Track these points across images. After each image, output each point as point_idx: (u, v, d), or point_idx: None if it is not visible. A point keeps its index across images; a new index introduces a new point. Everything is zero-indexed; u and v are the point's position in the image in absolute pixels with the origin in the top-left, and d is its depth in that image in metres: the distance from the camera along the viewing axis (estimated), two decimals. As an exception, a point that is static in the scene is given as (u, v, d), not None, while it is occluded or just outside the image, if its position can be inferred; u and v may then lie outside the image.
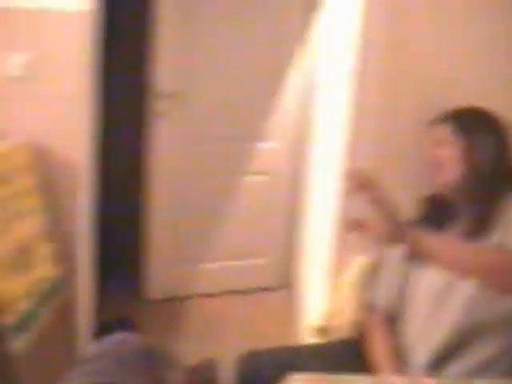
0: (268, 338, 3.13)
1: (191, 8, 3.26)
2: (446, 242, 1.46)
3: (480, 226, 1.49)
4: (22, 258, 2.14)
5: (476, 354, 1.51)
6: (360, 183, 1.43)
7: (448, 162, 1.58)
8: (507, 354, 1.50)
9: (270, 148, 3.65)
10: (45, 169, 2.35)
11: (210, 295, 3.64)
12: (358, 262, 2.15)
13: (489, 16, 2.28)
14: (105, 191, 2.94)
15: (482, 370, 1.50)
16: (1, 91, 2.30)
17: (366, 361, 1.76)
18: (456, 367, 1.53)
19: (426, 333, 1.62)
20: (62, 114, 2.35)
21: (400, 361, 1.68)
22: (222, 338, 3.15)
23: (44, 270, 2.28)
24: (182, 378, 1.65)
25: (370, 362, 1.74)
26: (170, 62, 3.26)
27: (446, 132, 1.62)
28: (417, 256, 1.50)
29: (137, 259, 3.58)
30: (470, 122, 1.60)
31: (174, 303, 3.52)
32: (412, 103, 2.29)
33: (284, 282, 3.81)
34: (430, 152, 1.65)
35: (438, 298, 1.59)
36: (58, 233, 2.39)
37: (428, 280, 1.63)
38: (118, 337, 1.61)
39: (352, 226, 1.38)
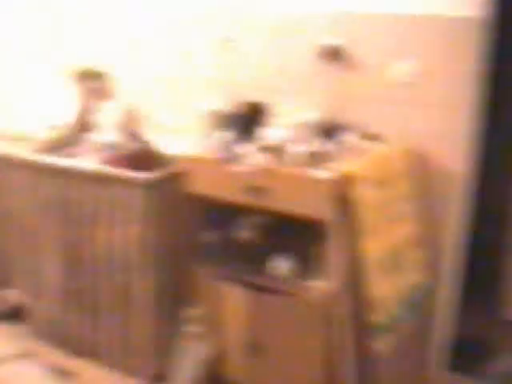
0: None
1: None
2: None
3: None
4: (394, 261, 2.18)
5: None
6: None
7: None
8: None
9: None
10: (422, 175, 2.36)
11: None
12: None
13: None
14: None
15: None
16: (388, 96, 2.40)
17: None
18: None
19: None
20: (444, 122, 2.32)
21: None
22: None
23: (414, 276, 2.29)
24: None
25: None
26: None
27: None
28: None
29: (497, 277, 3.37)
30: None
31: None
32: None
33: None
34: None
35: None
36: (427, 240, 2.37)
37: None
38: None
39: None
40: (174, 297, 2.52)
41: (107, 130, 2.78)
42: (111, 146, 2.58)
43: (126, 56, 3.00)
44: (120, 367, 2.60)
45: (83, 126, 2.99)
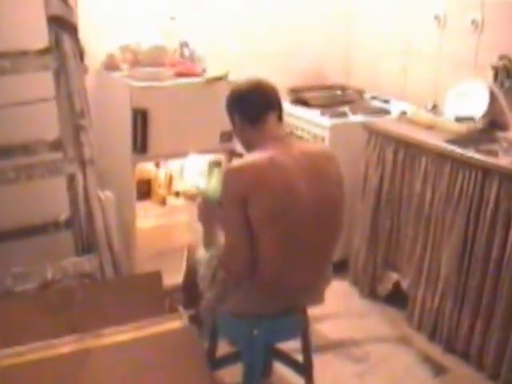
0: None
1: None
2: None
3: None
4: None
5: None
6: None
7: None
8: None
9: None
10: None
11: None
12: None
13: None
14: None
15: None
16: None
17: None
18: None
19: None
20: None
21: None
22: None
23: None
24: None
25: None
26: None
27: None
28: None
29: None
30: None
31: None
32: None
33: None
34: None
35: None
36: None
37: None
38: None
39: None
40: None
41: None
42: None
43: None
44: (489, 374, 2.62)
45: (494, 124, 3.03)
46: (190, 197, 3.34)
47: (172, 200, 3.33)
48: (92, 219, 2.18)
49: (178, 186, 3.35)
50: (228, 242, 2.02)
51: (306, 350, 2.26)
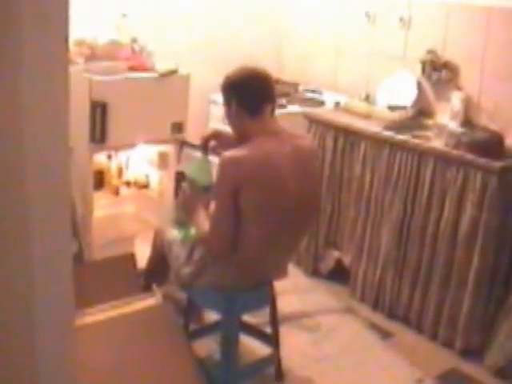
0: None
1: None
2: None
3: None
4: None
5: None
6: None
7: None
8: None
9: None
10: None
11: None
12: None
13: None
14: None
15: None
16: None
17: None
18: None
19: None
20: None
21: None
22: None
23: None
24: None
25: None
26: None
27: None
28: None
29: None
30: None
31: None
32: None
33: None
34: None
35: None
36: None
37: None
38: None
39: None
40: (496, 279, 2.80)
41: (449, 118, 3.17)
42: (453, 134, 2.94)
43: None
44: (429, 335, 2.98)
45: (422, 112, 3.42)
46: (141, 186, 3.51)
47: (124, 190, 3.48)
48: (73, 205, 2.32)
49: (128, 176, 3.51)
50: (214, 222, 2.20)
51: (275, 319, 2.51)
